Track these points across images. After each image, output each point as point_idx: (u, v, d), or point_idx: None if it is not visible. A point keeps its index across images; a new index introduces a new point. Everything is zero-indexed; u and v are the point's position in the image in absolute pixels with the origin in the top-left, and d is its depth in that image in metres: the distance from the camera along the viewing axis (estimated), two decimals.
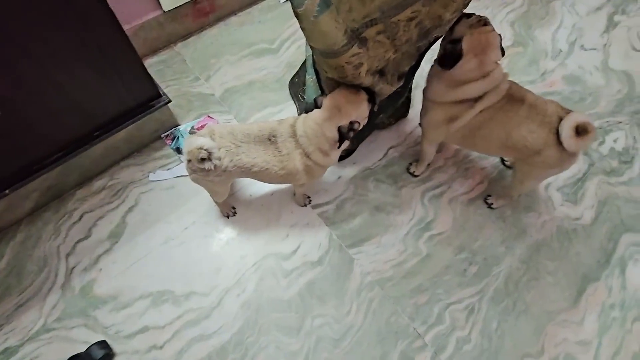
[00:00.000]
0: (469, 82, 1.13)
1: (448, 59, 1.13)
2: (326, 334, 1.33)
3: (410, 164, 1.65)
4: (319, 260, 1.46)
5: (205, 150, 1.02)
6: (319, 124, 1.10)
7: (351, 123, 1.08)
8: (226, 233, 1.50)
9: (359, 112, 1.08)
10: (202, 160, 1.04)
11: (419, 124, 1.48)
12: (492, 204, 1.58)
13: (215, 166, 1.06)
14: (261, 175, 1.17)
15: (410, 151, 1.72)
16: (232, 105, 1.80)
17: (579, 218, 1.59)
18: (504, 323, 1.38)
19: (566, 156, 1.13)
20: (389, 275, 1.45)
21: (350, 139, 1.13)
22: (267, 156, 1.12)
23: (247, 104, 1.81)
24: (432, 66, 1.24)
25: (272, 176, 1.17)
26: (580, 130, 1.06)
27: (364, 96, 1.11)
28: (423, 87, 1.29)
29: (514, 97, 1.15)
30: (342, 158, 1.65)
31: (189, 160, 1.07)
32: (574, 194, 1.63)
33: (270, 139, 1.11)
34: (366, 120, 1.16)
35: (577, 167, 1.67)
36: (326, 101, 1.08)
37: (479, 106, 1.16)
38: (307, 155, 1.11)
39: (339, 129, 1.08)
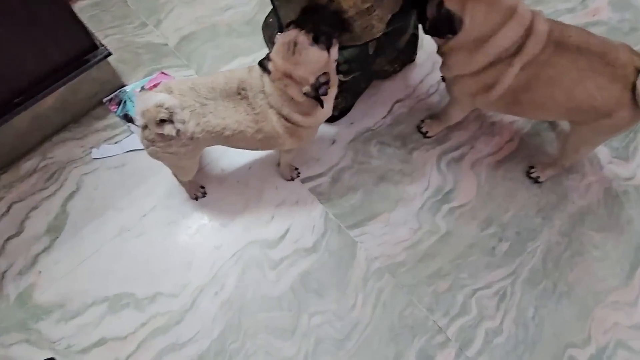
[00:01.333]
0: (491, 35, 1.08)
1: (443, 24, 1.09)
2: (327, 334, 1.39)
3: (422, 121, 1.67)
4: (314, 247, 1.50)
5: (166, 109, 1.01)
6: (276, 84, 1.05)
7: (316, 79, 1.01)
8: (195, 219, 1.53)
9: (311, 62, 1.00)
10: (162, 122, 1.02)
11: (446, 89, 1.47)
12: (538, 177, 1.59)
13: (178, 132, 1.05)
14: (235, 140, 1.17)
15: (422, 105, 1.74)
16: (191, 57, 1.79)
17: (631, 178, 1.64)
18: (542, 309, 1.45)
19: (639, 117, 1.10)
20: (401, 260, 1.50)
21: (331, 95, 1.12)
22: (238, 115, 1.11)
23: (211, 54, 1.80)
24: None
25: (249, 140, 1.17)
26: None
27: (308, 37, 1.00)
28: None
29: (565, 45, 1.07)
30: (335, 118, 1.67)
31: (145, 127, 1.06)
32: (625, 148, 1.69)
33: (240, 93, 1.11)
34: (333, 69, 1.12)
35: None
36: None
37: (518, 62, 1.08)
38: (284, 117, 1.11)
39: (304, 92, 1.03)
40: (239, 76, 1.13)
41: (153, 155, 1.16)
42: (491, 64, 1.13)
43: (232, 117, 1.12)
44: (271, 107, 1.12)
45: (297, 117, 1.14)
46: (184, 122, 1.06)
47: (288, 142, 1.21)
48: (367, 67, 1.29)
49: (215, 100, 1.11)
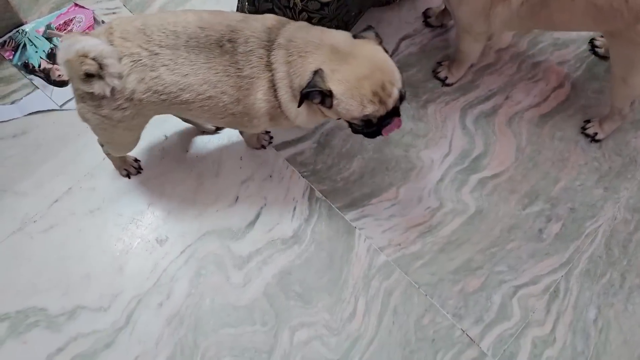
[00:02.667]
0: None
1: None
2: (317, 354, 1.35)
3: (439, 64, 1.63)
4: (295, 236, 1.46)
5: (93, 59, 0.97)
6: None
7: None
8: (128, 204, 1.47)
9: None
10: (89, 77, 0.99)
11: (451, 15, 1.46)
12: (596, 134, 1.59)
13: (113, 90, 1.03)
14: (197, 108, 1.13)
15: (438, 42, 1.69)
16: None
17: None
18: (607, 309, 1.43)
19: None
20: (415, 250, 1.46)
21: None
22: (211, 74, 1.07)
23: None
24: None
25: (217, 112, 1.14)
26: None
27: None
28: None
29: None
30: None
31: (69, 81, 1.05)
32: None
33: (222, 45, 1.07)
34: None
35: None
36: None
37: None
38: (276, 91, 1.10)
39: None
40: (228, 22, 1.09)
41: (81, 115, 1.12)
42: None
43: (200, 75, 1.07)
44: (269, 71, 1.09)
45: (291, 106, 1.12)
46: (120, 77, 1.03)
47: (263, 125, 1.19)
48: None
49: (174, 49, 1.06)
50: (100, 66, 0.99)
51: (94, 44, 0.99)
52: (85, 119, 1.13)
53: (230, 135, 1.55)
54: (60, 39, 1.60)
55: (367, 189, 1.51)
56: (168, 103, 1.10)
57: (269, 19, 1.12)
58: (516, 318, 1.40)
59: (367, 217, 1.49)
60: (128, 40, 1.04)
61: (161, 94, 1.08)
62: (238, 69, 1.08)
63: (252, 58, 1.08)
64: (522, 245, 1.48)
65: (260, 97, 1.11)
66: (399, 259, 1.45)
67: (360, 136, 1.16)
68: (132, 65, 1.04)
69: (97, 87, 1.02)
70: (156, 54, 1.05)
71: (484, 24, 1.33)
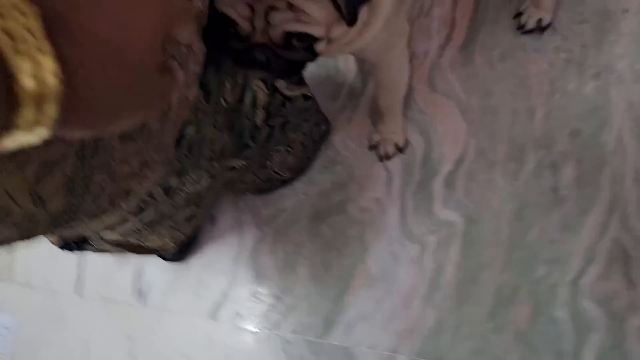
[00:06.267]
0: None
1: None
2: None
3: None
4: None
5: None
6: None
7: None
8: None
9: None
10: None
11: None
12: (539, 21, 1.15)
13: None
14: None
15: None
16: None
17: None
18: None
19: None
20: (432, 325, 1.13)
21: None
22: None
23: None
24: None
25: None
26: None
27: None
28: None
29: None
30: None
31: None
32: None
33: None
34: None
35: None
36: None
37: None
38: None
39: None
40: None
41: None
42: None
43: None
44: None
45: None
46: None
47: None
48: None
49: None
50: None
51: None
52: None
53: None
54: None
55: (332, 290, 1.20)
56: None
57: None
58: (603, 321, 1.02)
59: (355, 324, 1.16)
60: None
61: None
62: None
63: None
64: (545, 224, 1.09)
65: None
66: (421, 349, 1.12)
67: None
68: None
69: None
70: None
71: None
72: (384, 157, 1.21)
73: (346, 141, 1.27)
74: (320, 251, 1.23)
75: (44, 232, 0.70)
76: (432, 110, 1.22)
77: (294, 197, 1.27)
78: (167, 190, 0.91)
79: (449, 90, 1.21)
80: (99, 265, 1.40)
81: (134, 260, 1.35)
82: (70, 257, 1.36)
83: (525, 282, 1.09)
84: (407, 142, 1.20)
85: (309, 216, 1.25)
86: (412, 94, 1.23)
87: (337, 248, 1.21)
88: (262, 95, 1.01)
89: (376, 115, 1.21)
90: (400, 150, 1.20)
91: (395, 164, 1.22)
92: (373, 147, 1.22)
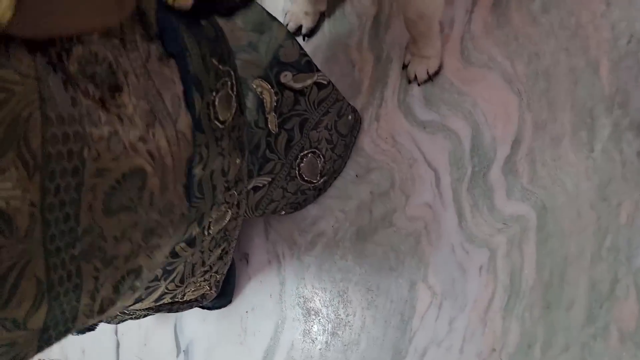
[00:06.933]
0: None
1: None
2: None
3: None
4: None
5: None
6: None
7: None
8: None
9: None
10: None
11: None
12: None
13: None
14: None
15: None
16: None
17: None
18: None
19: None
20: (517, 341, 0.97)
21: None
22: None
23: None
24: None
25: None
26: None
27: None
28: None
29: None
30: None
31: None
32: None
33: None
34: None
35: None
36: None
37: None
38: None
39: None
40: None
41: None
42: None
43: None
44: None
45: None
46: None
47: None
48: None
49: None
50: None
51: None
52: None
53: None
54: None
55: (394, 317, 1.05)
56: None
57: None
58: None
59: (427, 351, 1.02)
60: None
61: None
62: None
63: None
64: (638, 197, 0.91)
65: None
66: None
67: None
68: None
69: None
70: None
71: None
72: (413, 80, 1.07)
73: (377, 142, 1.11)
74: (372, 274, 1.08)
75: (41, 349, 0.57)
76: (472, 87, 1.05)
77: (331, 217, 1.12)
78: (191, 243, 0.77)
79: (488, 59, 1.05)
80: (135, 329, 1.28)
81: (172, 316, 1.23)
82: (106, 326, 1.25)
83: (624, 273, 0.92)
84: (440, 69, 1.04)
85: (351, 236, 1.10)
86: (444, 73, 1.06)
87: (390, 267, 1.06)
88: (268, 96, 0.88)
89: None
90: (430, 78, 1.04)
91: (439, 159, 1.06)
92: (405, 66, 1.09)
